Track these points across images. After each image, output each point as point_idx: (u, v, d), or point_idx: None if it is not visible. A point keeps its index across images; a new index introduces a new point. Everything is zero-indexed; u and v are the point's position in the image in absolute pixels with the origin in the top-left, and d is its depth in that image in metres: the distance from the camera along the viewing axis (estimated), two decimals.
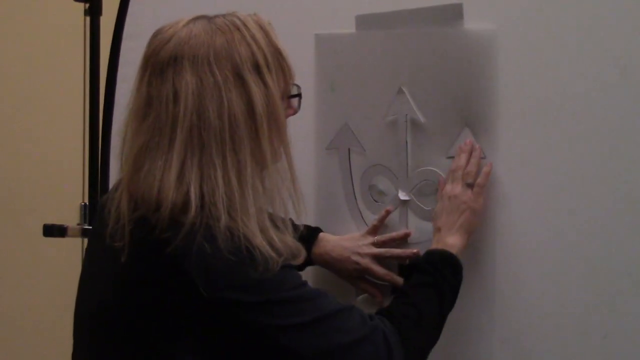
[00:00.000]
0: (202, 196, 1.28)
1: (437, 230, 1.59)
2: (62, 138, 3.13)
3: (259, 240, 1.28)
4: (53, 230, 2.40)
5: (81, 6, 2.39)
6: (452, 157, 1.64)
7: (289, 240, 1.34)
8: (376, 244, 1.70)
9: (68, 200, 2.58)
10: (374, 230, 1.71)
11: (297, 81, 1.42)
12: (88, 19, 2.38)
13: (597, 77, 1.49)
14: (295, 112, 1.45)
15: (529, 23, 1.56)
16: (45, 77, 3.24)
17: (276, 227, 1.33)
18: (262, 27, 1.37)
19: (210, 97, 1.30)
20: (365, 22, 1.73)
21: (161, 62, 1.33)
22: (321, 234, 1.73)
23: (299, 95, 1.43)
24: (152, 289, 1.30)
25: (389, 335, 1.36)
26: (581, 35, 1.51)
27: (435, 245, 1.57)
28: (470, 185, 1.59)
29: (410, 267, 1.54)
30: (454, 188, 1.60)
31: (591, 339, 1.50)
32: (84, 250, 1.52)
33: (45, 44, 3.23)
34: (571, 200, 1.52)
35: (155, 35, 1.37)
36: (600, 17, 1.49)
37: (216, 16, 1.37)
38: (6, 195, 3.24)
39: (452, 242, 1.56)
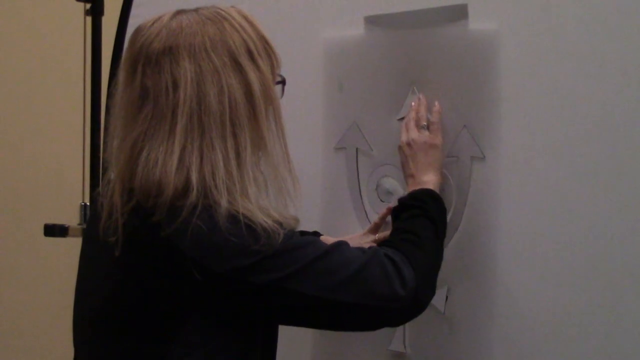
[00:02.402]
0: (202, 178, 1.30)
1: (411, 176, 1.61)
2: (63, 138, 3.14)
3: (259, 217, 1.30)
4: (54, 230, 2.40)
5: (83, 6, 2.39)
6: (452, 157, 1.65)
7: (286, 213, 1.36)
8: (378, 242, 1.69)
9: (68, 200, 2.58)
10: (376, 228, 1.72)
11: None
12: (89, 18, 2.38)
13: (599, 78, 1.49)
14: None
15: (532, 23, 1.56)
16: (46, 77, 3.24)
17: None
18: (245, 18, 1.39)
19: (210, 82, 1.32)
20: (373, 22, 1.74)
21: (155, 53, 1.34)
22: (321, 237, 1.73)
23: (283, 82, 1.44)
24: (151, 275, 1.30)
25: (392, 255, 1.38)
26: (584, 36, 1.51)
27: (412, 187, 1.59)
28: (424, 128, 1.63)
29: (396, 209, 1.56)
30: (410, 134, 1.63)
31: (593, 338, 1.50)
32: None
33: (47, 44, 3.23)
34: (573, 200, 1.52)
35: (139, 31, 1.38)
36: (604, 18, 1.49)
37: (199, 8, 1.39)
38: (7, 195, 3.24)
39: (427, 179, 1.59)
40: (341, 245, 1.37)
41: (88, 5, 2.38)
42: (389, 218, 1.71)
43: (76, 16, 2.46)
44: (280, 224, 1.32)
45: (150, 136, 1.32)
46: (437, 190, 1.57)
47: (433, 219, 1.50)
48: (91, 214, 1.47)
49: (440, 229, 1.52)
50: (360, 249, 1.38)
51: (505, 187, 1.59)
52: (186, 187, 1.29)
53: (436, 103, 1.65)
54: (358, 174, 1.79)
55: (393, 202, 1.71)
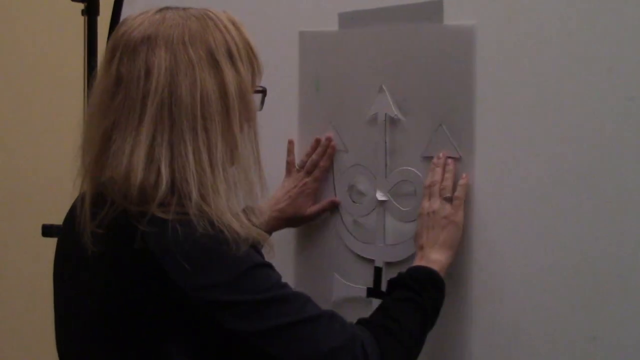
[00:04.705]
0: (172, 172, 1.27)
1: (420, 248, 1.57)
2: (61, 138, 3.13)
3: (228, 218, 1.27)
4: (52, 231, 2.40)
5: (79, 6, 2.39)
6: (427, 157, 1.62)
7: (254, 223, 1.33)
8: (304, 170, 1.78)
9: (67, 201, 2.57)
10: (302, 165, 1.78)
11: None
12: (85, 18, 2.38)
13: (580, 76, 1.46)
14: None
15: (509, 20, 1.53)
16: (43, 76, 3.25)
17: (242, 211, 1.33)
18: (233, 22, 1.37)
19: (183, 74, 1.29)
20: (348, 19, 1.73)
21: (134, 41, 1.31)
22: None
23: (263, 93, 1.41)
24: (125, 286, 1.27)
25: (367, 346, 1.34)
26: (565, 33, 1.47)
27: (418, 262, 1.54)
28: (448, 200, 1.57)
29: (393, 281, 1.51)
30: (432, 204, 1.58)
31: (579, 340, 1.47)
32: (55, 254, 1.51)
33: (43, 44, 3.24)
34: (551, 200, 1.49)
35: (123, 23, 1.35)
36: (585, 14, 1.45)
37: (188, 7, 1.37)
38: (5, 196, 3.25)
39: (435, 258, 1.54)
40: (324, 316, 1.33)
41: (84, 5, 2.38)
42: (366, 221, 1.69)
43: (72, 16, 2.46)
44: (248, 231, 1.28)
45: (120, 126, 1.28)
46: (442, 273, 1.52)
47: (425, 311, 1.45)
48: (68, 213, 1.45)
49: (430, 320, 1.47)
50: (342, 326, 1.34)
51: (482, 186, 1.57)
52: (156, 182, 1.26)
53: (464, 175, 1.58)
54: (333, 174, 1.79)
55: (367, 204, 1.71)
